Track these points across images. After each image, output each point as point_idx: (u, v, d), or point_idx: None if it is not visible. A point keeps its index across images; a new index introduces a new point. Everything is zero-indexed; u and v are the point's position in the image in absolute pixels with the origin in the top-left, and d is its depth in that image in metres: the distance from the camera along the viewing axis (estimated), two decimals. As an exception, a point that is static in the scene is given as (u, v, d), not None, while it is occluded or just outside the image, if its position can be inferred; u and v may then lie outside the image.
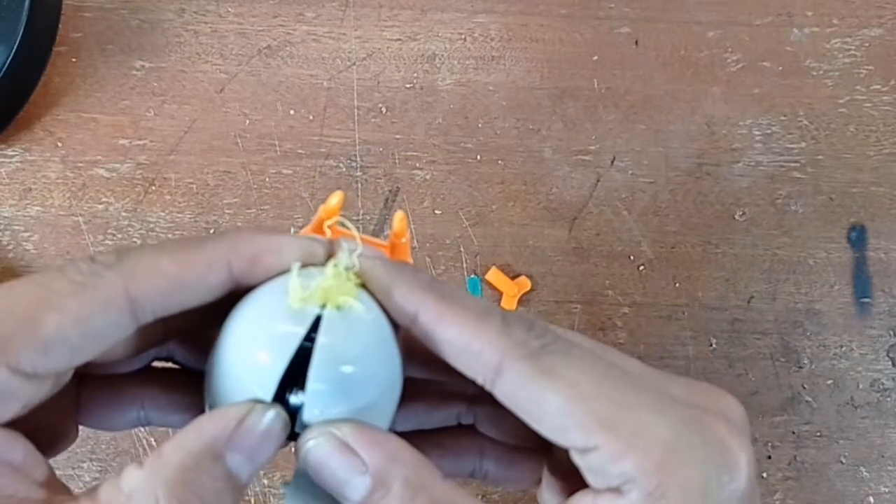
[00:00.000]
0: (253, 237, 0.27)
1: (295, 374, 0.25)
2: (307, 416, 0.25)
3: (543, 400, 0.25)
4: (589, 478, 0.25)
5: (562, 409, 0.25)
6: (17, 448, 0.24)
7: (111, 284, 0.25)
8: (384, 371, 0.27)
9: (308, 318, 0.26)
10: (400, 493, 0.24)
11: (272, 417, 0.25)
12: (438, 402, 0.32)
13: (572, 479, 0.27)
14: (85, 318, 0.24)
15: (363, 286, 0.27)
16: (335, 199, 0.30)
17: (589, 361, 0.25)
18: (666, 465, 0.24)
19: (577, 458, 0.25)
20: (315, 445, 0.25)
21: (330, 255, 0.27)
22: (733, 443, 0.26)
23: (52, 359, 0.24)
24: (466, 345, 0.25)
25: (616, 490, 0.24)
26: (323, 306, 0.26)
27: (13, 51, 0.51)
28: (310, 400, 0.25)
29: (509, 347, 0.25)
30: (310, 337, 0.26)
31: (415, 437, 0.26)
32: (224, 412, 0.25)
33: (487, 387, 0.26)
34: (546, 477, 0.30)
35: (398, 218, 0.30)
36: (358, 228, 0.54)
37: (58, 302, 0.24)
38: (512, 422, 0.26)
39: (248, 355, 0.26)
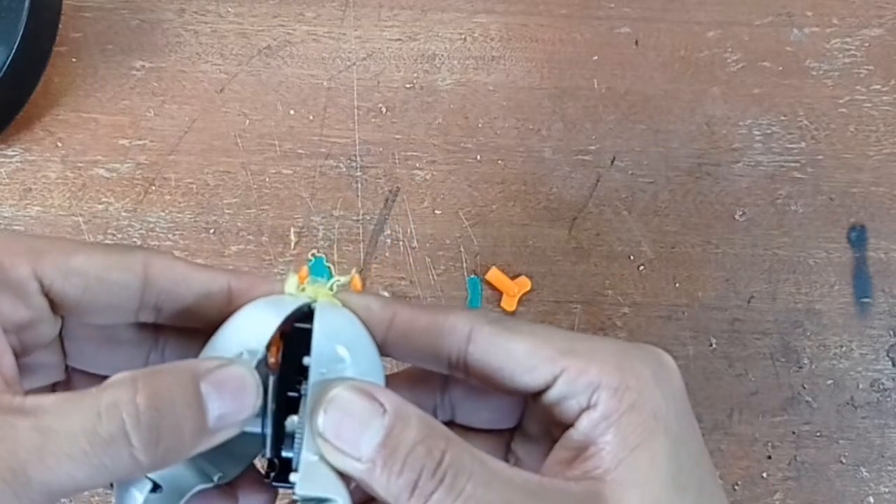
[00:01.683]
0: (250, 280, 0.31)
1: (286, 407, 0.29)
2: (312, 392, 0.28)
3: (511, 349, 0.29)
4: (562, 413, 0.29)
5: (530, 350, 0.29)
6: None
7: (134, 258, 0.29)
8: (371, 352, 0.30)
9: (299, 301, 0.30)
10: (417, 426, 0.26)
11: (249, 371, 0.27)
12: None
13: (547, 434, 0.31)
14: (105, 270, 0.28)
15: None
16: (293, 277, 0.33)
17: (539, 324, 0.31)
18: (623, 364, 0.29)
19: (548, 398, 0.29)
20: (337, 393, 0.27)
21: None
22: (662, 352, 0.31)
23: (67, 286, 0.28)
24: (439, 326, 0.30)
25: (587, 407, 0.29)
26: (312, 302, 0.30)
27: (13, 51, 0.51)
28: (315, 371, 0.28)
29: (476, 318, 0.30)
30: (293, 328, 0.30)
31: None
32: (208, 358, 0.28)
33: (462, 358, 0.30)
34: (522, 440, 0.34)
35: (353, 279, 0.32)
36: (358, 228, 0.54)
37: (88, 248, 0.29)
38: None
39: (243, 327, 0.29)
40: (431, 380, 0.33)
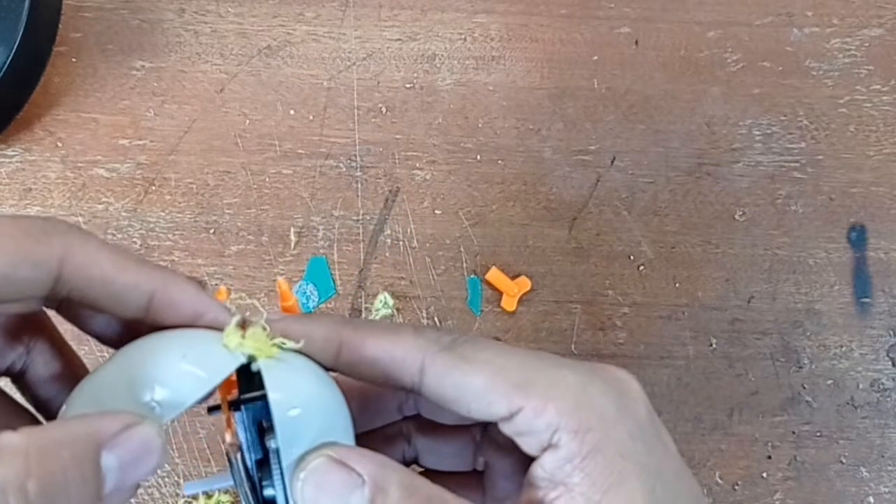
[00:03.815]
0: (186, 289, 0.28)
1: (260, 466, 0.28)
2: (286, 459, 0.27)
3: (467, 382, 0.28)
4: (523, 445, 0.28)
5: (485, 385, 0.28)
6: None
7: (50, 250, 0.26)
8: (334, 399, 0.28)
9: (240, 359, 0.27)
10: (398, 495, 0.26)
11: (157, 433, 0.25)
12: (378, 407, 0.34)
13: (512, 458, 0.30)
14: (13, 266, 0.25)
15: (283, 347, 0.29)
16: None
17: (493, 345, 0.29)
18: (581, 403, 0.27)
19: (507, 429, 0.28)
20: (314, 468, 0.26)
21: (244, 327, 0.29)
22: (625, 377, 0.30)
23: None
24: (390, 356, 0.29)
25: (550, 446, 0.27)
26: (251, 360, 0.28)
27: (13, 51, 0.51)
28: (283, 443, 0.27)
29: (427, 347, 0.29)
30: (242, 399, 0.27)
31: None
32: (116, 414, 0.24)
33: (416, 388, 0.29)
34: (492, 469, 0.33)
35: (280, 285, 0.31)
36: (358, 228, 0.54)
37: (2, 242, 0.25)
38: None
39: (173, 368, 0.26)
40: (396, 433, 0.33)
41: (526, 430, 0.28)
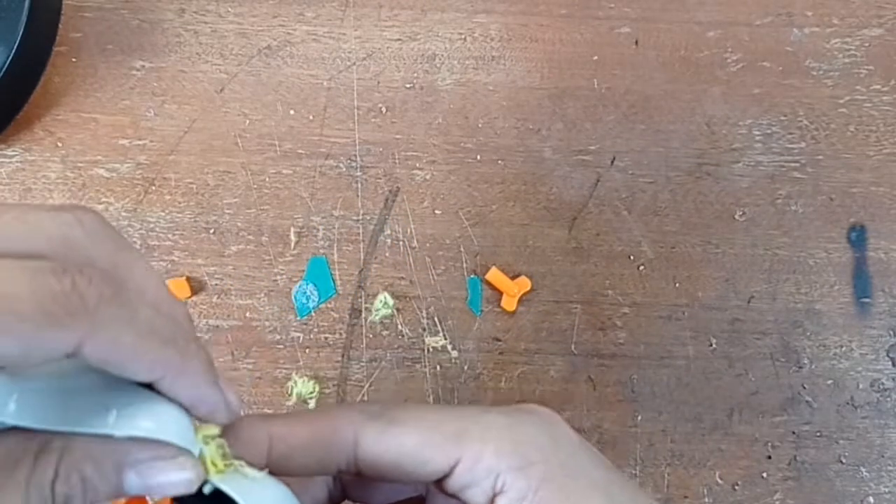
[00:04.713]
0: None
1: None
2: None
3: (401, 443, 0.28)
4: (469, 497, 0.28)
5: (419, 442, 0.28)
6: None
7: (69, 335, 0.22)
8: (289, 499, 0.28)
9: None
10: None
11: (182, 467, 0.26)
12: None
13: None
14: (28, 349, 0.22)
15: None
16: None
17: (422, 406, 0.30)
18: (517, 440, 0.28)
19: (450, 487, 0.28)
20: None
21: None
22: (546, 412, 0.30)
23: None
24: (321, 438, 0.28)
25: (497, 493, 0.28)
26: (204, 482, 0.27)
27: (13, 51, 0.51)
28: None
29: (356, 418, 0.28)
30: None
31: None
32: (150, 446, 0.25)
33: (351, 465, 0.28)
34: None
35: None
36: (358, 228, 0.54)
37: (10, 322, 0.21)
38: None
39: (154, 402, 0.26)
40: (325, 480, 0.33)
41: (469, 482, 0.28)
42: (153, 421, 0.25)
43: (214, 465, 0.26)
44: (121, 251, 0.25)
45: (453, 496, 0.29)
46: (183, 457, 0.26)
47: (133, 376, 0.25)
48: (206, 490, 0.26)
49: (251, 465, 0.28)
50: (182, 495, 0.26)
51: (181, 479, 0.26)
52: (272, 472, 0.28)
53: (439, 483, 0.29)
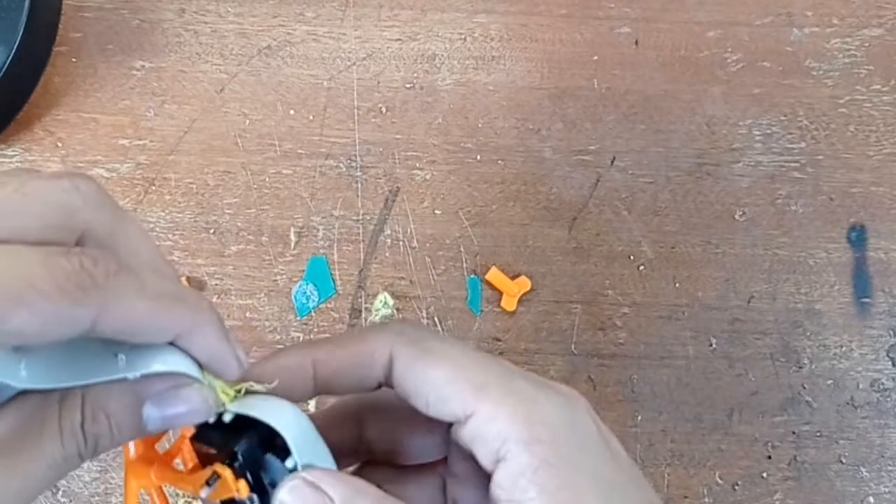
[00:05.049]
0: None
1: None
2: (289, 464, 0.28)
3: (429, 374, 0.29)
4: (478, 455, 0.29)
5: (445, 379, 0.29)
6: None
7: (84, 311, 0.23)
8: (308, 424, 0.29)
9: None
10: None
11: (197, 394, 0.27)
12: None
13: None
14: (47, 325, 0.23)
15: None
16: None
17: (458, 344, 0.30)
18: (532, 415, 0.28)
19: (463, 435, 0.29)
20: (289, 489, 0.27)
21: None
22: (573, 393, 0.30)
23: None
24: (361, 357, 0.30)
25: (500, 459, 0.28)
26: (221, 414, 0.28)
27: (13, 51, 0.51)
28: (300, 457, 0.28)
29: (394, 340, 0.30)
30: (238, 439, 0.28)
31: None
32: (168, 375, 0.27)
33: (387, 380, 0.30)
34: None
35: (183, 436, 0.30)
36: (358, 228, 0.54)
37: (32, 299, 0.22)
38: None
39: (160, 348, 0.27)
40: (349, 423, 0.34)
41: (478, 437, 0.28)
42: (161, 361, 0.26)
43: (226, 394, 0.28)
44: (116, 216, 0.26)
45: (466, 448, 0.29)
46: (197, 384, 0.27)
47: (151, 339, 0.26)
48: (227, 418, 0.28)
49: (256, 391, 0.29)
50: (201, 431, 0.28)
51: (198, 405, 0.27)
52: (315, 394, 0.30)
53: (455, 429, 0.30)
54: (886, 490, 0.54)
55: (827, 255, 0.56)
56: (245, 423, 0.28)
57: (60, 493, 0.52)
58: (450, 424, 0.31)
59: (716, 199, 0.56)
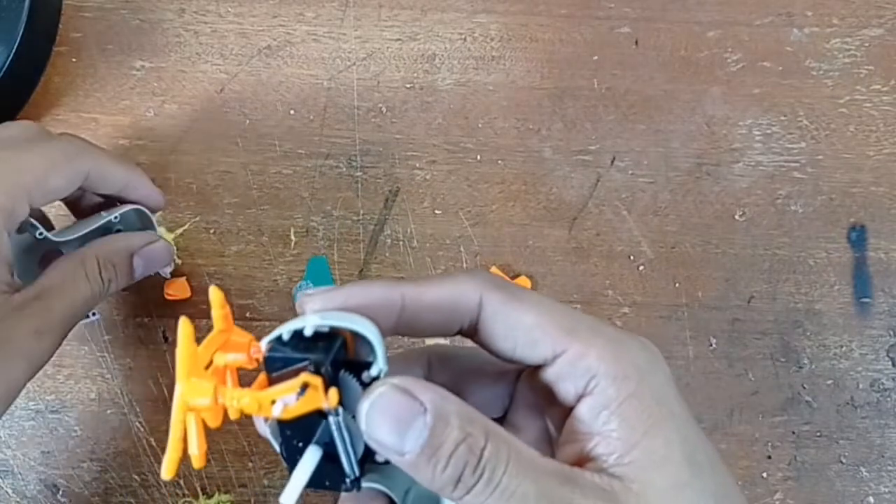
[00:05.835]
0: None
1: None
2: (374, 371, 0.28)
3: (518, 318, 0.30)
4: (560, 392, 0.30)
5: (534, 323, 0.30)
6: None
7: (84, 167, 0.43)
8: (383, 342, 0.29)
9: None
10: (458, 424, 0.27)
11: (164, 247, 0.48)
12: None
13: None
14: (68, 180, 0.43)
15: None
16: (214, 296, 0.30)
17: (542, 295, 0.32)
18: (620, 354, 0.30)
19: (547, 374, 0.30)
20: (379, 394, 0.27)
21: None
22: (652, 345, 0.31)
23: (9, 222, 0.40)
24: (450, 298, 0.30)
25: (586, 394, 0.30)
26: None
27: (13, 51, 0.51)
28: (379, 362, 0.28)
29: (484, 285, 0.31)
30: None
31: None
32: (143, 234, 0.48)
33: (472, 324, 0.31)
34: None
35: (212, 292, 0.29)
36: (358, 228, 0.54)
37: (57, 172, 0.42)
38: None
39: None
40: (416, 370, 0.34)
41: (566, 374, 0.30)
42: (125, 210, 0.47)
43: (174, 243, 0.45)
44: (93, 149, 0.45)
45: (544, 386, 0.31)
46: (162, 240, 0.48)
47: (115, 186, 0.46)
48: (308, 333, 0.28)
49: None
50: (271, 358, 0.28)
51: (163, 251, 0.48)
52: (398, 333, 0.31)
53: (536, 371, 0.31)
54: (886, 490, 0.54)
55: (827, 255, 0.56)
56: (308, 346, 0.28)
57: (60, 492, 0.52)
58: (517, 377, 0.33)
59: (716, 199, 0.56)
